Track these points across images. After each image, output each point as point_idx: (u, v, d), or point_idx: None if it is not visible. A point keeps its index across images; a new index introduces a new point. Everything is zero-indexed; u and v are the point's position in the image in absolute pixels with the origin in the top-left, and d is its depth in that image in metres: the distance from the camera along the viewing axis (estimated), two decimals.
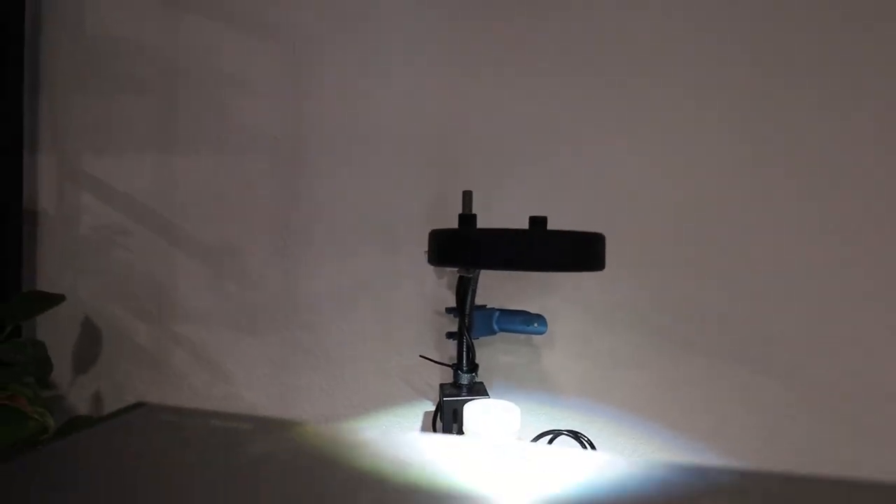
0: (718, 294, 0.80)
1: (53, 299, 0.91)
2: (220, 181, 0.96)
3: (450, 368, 0.75)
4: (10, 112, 0.98)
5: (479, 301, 0.79)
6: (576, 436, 0.75)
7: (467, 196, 0.69)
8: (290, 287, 0.93)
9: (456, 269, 0.76)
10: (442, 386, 0.75)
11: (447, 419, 0.69)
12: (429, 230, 0.63)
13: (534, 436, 0.78)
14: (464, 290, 0.72)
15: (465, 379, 0.73)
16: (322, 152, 0.92)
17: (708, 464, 0.24)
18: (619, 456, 0.26)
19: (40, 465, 0.27)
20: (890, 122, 0.76)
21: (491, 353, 0.85)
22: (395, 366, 0.89)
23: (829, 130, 0.77)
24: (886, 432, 0.75)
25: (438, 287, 0.87)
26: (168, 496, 0.24)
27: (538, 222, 0.61)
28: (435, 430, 0.77)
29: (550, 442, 0.76)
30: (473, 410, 0.63)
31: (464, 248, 0.59)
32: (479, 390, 0.72)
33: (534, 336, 0.82)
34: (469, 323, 0.73)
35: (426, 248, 0.64)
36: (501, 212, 0.82)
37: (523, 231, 0.58)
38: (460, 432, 0.67)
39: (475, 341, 0.74)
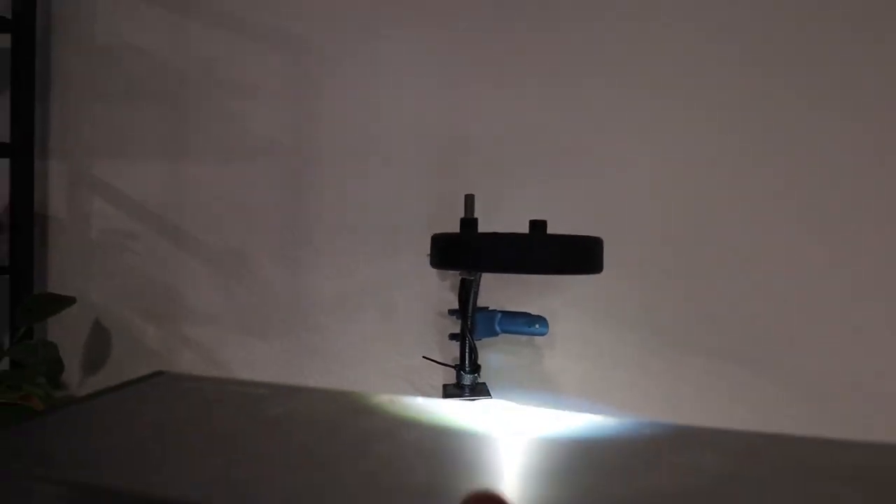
0: (717, 295, 0.81)
1: (65, 301, 0.93)
2: (228, 187, 0.98)
3: (453, 369, 0.77)
4: (22, 118, 1.00)
5: (481, 303, 0.81)
6: None
7: (469, 200, 0.71)
8: (296, 290, 0.95)
9: (458, 271, 0.77)
10: (445, 387, 0.76)
11: None
12: (431, 234, 0.65)
13: None
14: (466, 292, 0.73)
15: (467, 379, 0.74)
16: (327, 158, 0.94)
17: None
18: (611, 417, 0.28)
19: (65, 421, 0.28)
20: (890, 122, 0.77)
21: (493, 353, 0.86)
22: (398, 367, 0.90)
23: (829, 131, 0.78)
24: (887, 433, 0.76)
25: (441, 289, 0.89)
26: (188, 449, 0.25)
27: (538, 226, 0.62)
28: None
29: None
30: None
31: (465, 251, 0.61)
32: (481, 391, 0.74)
33: (535, 337, 0.84)
34: (471, 324, 0.74)
35: (429, 252, 0.65)
36: (503, 215, 0.84)
37: (523, 235, 0.60)
38: None
39: (478, 342, 0.75)
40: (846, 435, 0.26)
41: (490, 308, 0.81)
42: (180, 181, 1.00)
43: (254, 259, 0.97)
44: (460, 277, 0.75)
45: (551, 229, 0.62)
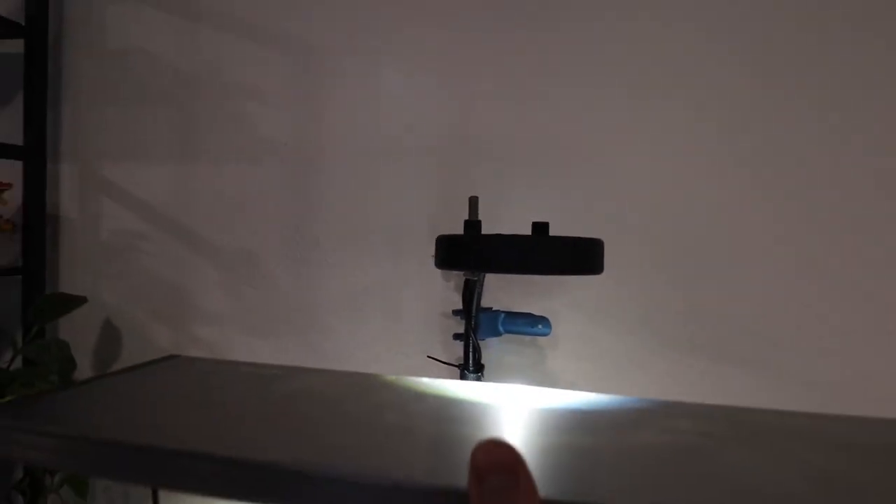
0: (719, 296, 0.82)
1: (76, 301, 0.94)
2: (236, 188, 0.99)
3: (457, 368, 0.78)
4: (35, 122, 1.02)
5: (485, 304, 0.82)
6: None
7: (473, 202, 0.72)
8: (302, 290, 0.96)
9: (462, 272, 0.79)
10: None
11: None
12: (436, 235, 0.66)
13: None
14: (470, 293, 0.75)
15: (471, 379, 0.75)
16: (334, 160, 0.95)
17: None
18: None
19: (82, 395, 0.29)
20: (890, 122, 0.77)
21: (497, 353, 0.87)
22: (404, 366, 0.92)
23: (830, 132, 0.79)
24: None
25: (446, 290, 0.90)
26: (206, 420, 0.27)
27: (540, 228, 0.63)
28: None
29: None
30: None
31: (470, 252, 0.62)
32: None
33: (538, 337, 0.85)
34: (475, 324, 0.75)
35: (433, 253, 0.67)
36: (506, 217, 0.85)
37: (526, 236, 0.61)
38: None
39: (481, 342, 0.77)
40: None
41: (494, 308, 0.83)
42: (189, 183, 1.02)
43: (261, 260, 0.98)
44: (464, 278, 0.76)
45: (553, 231, 0.64)
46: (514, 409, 0.27)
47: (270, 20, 0.98)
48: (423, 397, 0.29)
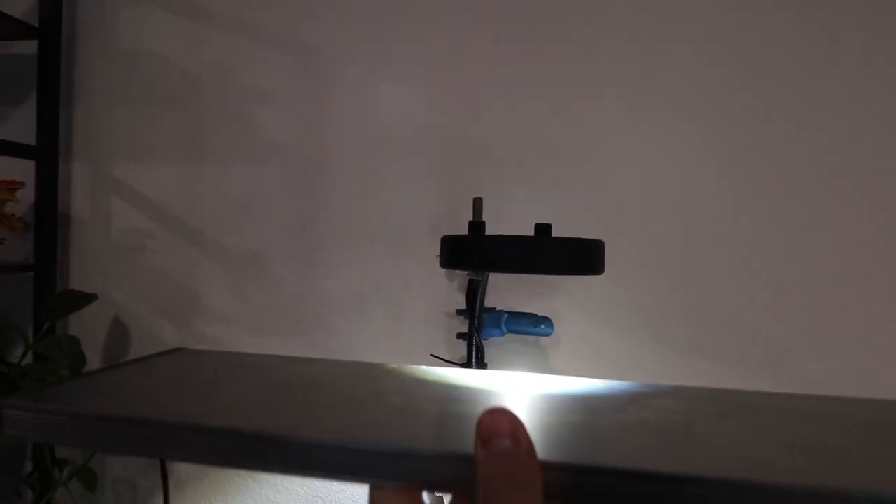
0: (720, 297, 0.83)
1: (87, 298, 0.96)
2: (242, 189, 1.01)
3: (460, 367, 0.79)
4: (47, 122, 1.04)
5: (488, 304, 0.83)
6: None
7: (478, 203, 0.73)
8: (308, 290, 0.98)
9: (466, 272, 0.80)
10: None
11: None
12: (441, 236, 0.67)
13: None
14: (473, 292, 0.76)
15: None
16: (339, 161, 0.97)
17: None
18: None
19: (91, 383, 0.31)
20: (891, 122, 0.78)
21: (500, 353, 0.88)
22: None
23: (830, 132, 0.80)
24: None
25: (449, 290, 0.91)
26: (210, 399, 0.28)
27: (543, 229, 0.65)
28: None
29: None
30: None
31: (474, 252, 0.63)
32: None
33: (541, 337, 0.86)
34: (479, 324, 0.77)
35: (438, 253, 0.68)
36: (509, 219, 0.86)
37: (529, 237, 0.62)
38: None
39: (484, 342, 0.78)
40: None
41: (497, 308, 0.84)
42: (196, 184, 1.03)
43: (268, 260, 1.00)
44: (468, 278, 0.77)
45: (555, 232, 0.65)
46: (515, 393, 0.28)
47: (276, 23, 1.00)
48: (426, 383, 0.30)
